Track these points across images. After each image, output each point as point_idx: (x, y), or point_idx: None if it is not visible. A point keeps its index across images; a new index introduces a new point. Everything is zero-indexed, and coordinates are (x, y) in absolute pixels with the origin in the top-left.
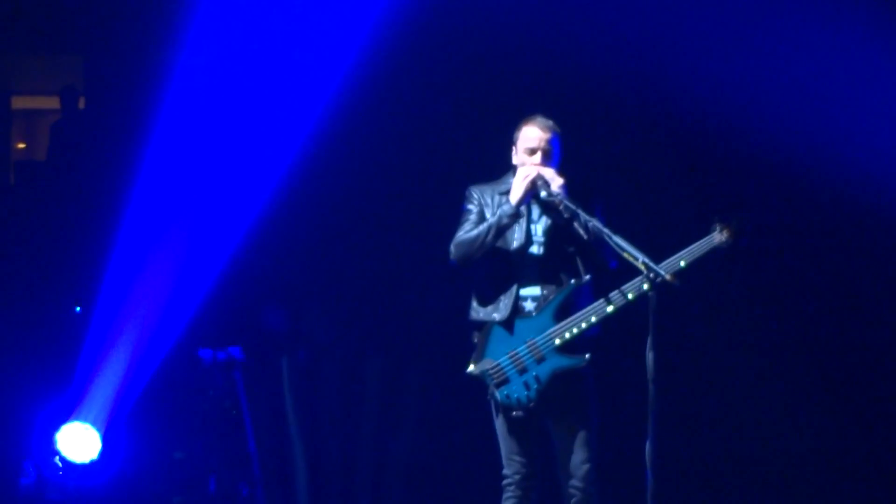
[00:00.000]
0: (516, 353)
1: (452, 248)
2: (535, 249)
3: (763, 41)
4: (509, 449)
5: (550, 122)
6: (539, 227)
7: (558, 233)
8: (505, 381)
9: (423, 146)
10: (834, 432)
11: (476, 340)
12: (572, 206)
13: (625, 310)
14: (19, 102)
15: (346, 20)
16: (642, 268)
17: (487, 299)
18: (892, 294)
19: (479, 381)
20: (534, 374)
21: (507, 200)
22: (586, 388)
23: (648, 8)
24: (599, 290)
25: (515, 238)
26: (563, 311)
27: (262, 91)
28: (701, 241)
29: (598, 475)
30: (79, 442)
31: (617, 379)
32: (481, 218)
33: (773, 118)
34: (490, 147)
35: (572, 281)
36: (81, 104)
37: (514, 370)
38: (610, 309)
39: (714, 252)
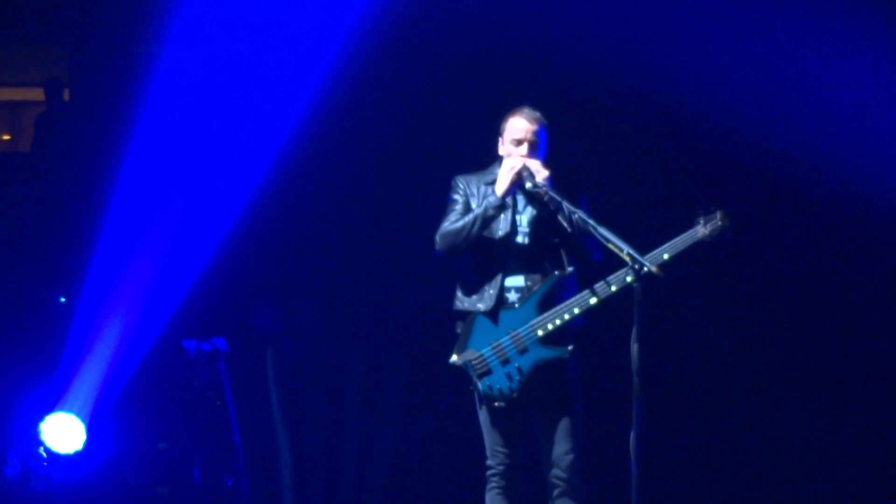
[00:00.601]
0: (499, 344)
1: (438, 238)
2: (520, 239)
3: (748, 28)
4: (493, 440)
5: (538, 114)
6: (524, 218)
7: (543, 224)
8: (487, 372)
9: (409, 136)
10: (820, 422)
11: (459, 330)
12: (557, 198)
13: (610, 301)
14: (3, 94)
15: (334, 10)
16: (627, 259)
17: (472, 289)
18: (876, 280)
19: (463, 371)
20: (516, 365)
21: (494, 191)
22: (570, 379)
23: None
24: (584, 281)
25: (500, 228)
26: (547, 303)
27: (249, 81)
28: (685, 234)
29: (581, 466)
30: (63, 432)
31: (601, 370)
32: (467, 208)
33: (759, 110)
34: (476, 137)
35: (556, 272)
36: (66, 96)
37: (496, 361)
38: (594, 301)
39: (698, 245)
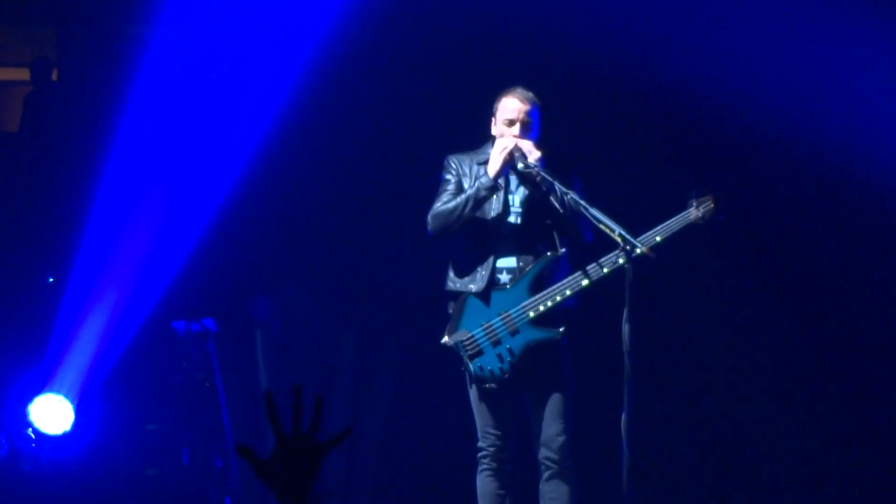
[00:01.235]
0: (490, 325)
1: (430, 219)
2: (512, 220)
3: (742, 14)
4: (484, 422)
5: (530, 94)
6: (517, 198)
7: (535, 204)
8: (479, 353)
9: (401, 116)
10: (812, 401)
11: (451, 311)
12: (549, 179)
13: (601, 283)
14: None
15: None
16: (619, 240)
17: (464, 270)
18: (870, 266)
19: (454, 352)
20: (507, 346)
21: (486, 172)
22: (561, 360)
23: None
24: (575, 263)
25: (493, 208)
26: (539, 284)
27: (240, 62)
28: (677, 216)
29: (572, 447)
30: (52, 413)
31: (593, 351)
32: (459, 188)
33: (752, 92)
34: (468, 118)
35: (548, 253)
36: (54, 76)
37: (487, 342)
38: (585, 282)
39: (690, 227)
